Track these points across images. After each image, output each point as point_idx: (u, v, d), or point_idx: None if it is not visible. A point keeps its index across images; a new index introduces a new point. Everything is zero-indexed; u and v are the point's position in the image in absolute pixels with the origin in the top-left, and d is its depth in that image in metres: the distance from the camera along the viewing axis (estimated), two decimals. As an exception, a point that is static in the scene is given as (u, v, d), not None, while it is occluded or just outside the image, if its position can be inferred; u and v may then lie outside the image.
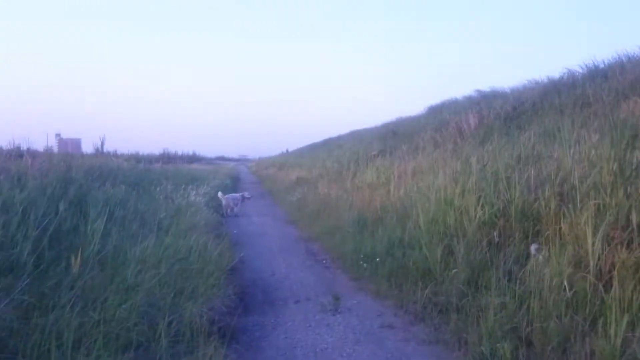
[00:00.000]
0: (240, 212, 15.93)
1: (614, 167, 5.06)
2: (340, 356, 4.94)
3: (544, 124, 10.33)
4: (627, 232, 4.61)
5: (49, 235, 5.75)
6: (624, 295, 4.13)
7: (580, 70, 14.09)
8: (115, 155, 20.98)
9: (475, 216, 6.40)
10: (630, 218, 4.65)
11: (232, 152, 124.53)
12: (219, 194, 16.33)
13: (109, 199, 8.69)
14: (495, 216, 6.27)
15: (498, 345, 4.38)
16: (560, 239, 5.13)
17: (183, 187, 14.91)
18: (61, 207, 6.74)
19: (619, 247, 4.52)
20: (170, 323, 4.68)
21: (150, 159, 30.54)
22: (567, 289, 4.50)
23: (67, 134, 45.54)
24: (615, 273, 4.32)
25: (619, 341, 3.84)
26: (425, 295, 5.92)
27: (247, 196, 16.87)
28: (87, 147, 24.70)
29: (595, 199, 5.06)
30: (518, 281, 5.06)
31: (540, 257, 5.10)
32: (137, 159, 25.16)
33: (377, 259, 7.44)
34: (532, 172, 6.41)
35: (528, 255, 5.40)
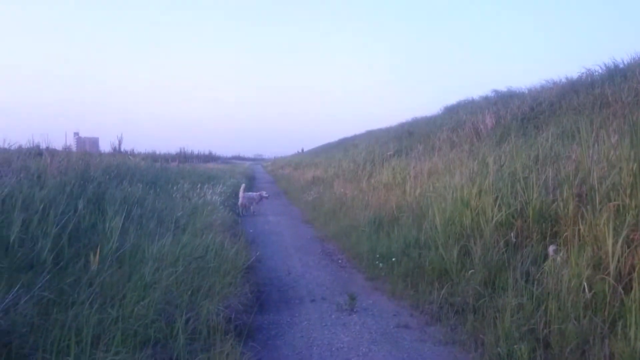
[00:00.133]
0: (256, 211, 15.98)
1: (634, 168, 5.00)
2: (357, 355, 4.94)
3: (562, 124, 10.24)
4: (648, 234, 4.55)
5: (68, 232, 5.83)
6: (644, 298, 4.08)
7: (599, 70, 13.95)
8: (132, 154, 21.19)
9: (492, 217, 6.36)
10: (651, 219, 4.60)
11: (247, 151, 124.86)
12: (242, 186, 16.39)
13: (127, 198, 8.79)
14: (513, 217, 6.23)
15: (515, 346, 4.36)
16: (579, 241, 5.09)
17: (199, 186, 15.00)
18: (80, 205, 6.83)
19: (639, 248, 4.47)
20: (187, 320, 4.72)
21: (166, 158, 30.83)
22: (586, 290, 4.47)
23: (85, 132, 45.93)
24: (635, 275, 4.27)
25: (639, 344, 3.80)
26: (441, 295, 5.91)
27: (265, 195, 16.78)
28: (105, 146, 25.00)
29: (614, 200, 5.00)
30: (535, 282, 5.03)
31: (558, 258, 5.07)
32: (153, 158, 25.41)
33: (393, 259, 7.43)
34: (550, 172, 6.36)
35: (546, 257, 5.36)
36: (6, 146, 11.15)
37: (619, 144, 6.00)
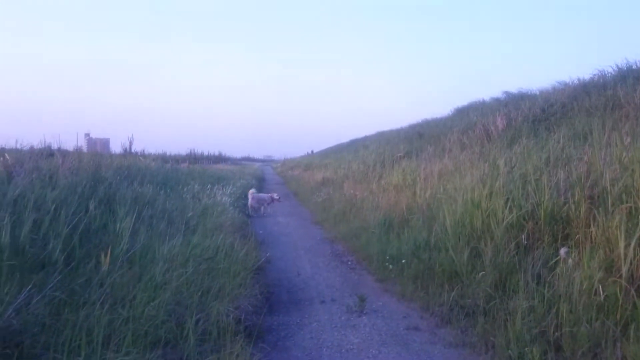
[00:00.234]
0: (266, 212, 15.98)
1: (647, 170, 4.97)
2: (366, 357, 4.93)
3: (574, 126, 10.17)
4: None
5: (79, 233, 5.86)
6: (657, 301, 4.05)
7: (612, 71, 13.86)
8: (143, 155, 21.19)
9: (503, 219, 6.33)
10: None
11: (257, 152, 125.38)
12: (250, 191, 16.43)
13: (137, 198, 8.82)
14: (524, 219, 6.20)
15: (526, 349, 4.33)
16: (591, 243, 5.06)
17: (209, 187, 15.03)
18: (91, 206, 6.87)
19: (651, 251, 4.44)
20: (197, 321, 4.73)
21: (177, 159, 30.93)
22: (597, 293, 4.43)
23: (96, 133, 46.16)
24: (647, 278, 4.24)
25: (651, 347, 3.77)
26: (451, 297, 5.88)
27: (276, 197, 16.61)
28: (116, 147, 25.07)
29: (627, 203, 4.97)
30: (547, 285, 5.00)
31: (570, 260, 5.03)
32: (164, 159, 25.46)
33: (403, 261, 7.41)
34: (562, 174, 6.33)
35: (557, 259, 5.32)
36: (19, 147, 11.26)
37: (631, 146, 5.96)
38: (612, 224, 4.87)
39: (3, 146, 10.98)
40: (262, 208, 15.98)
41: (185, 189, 13.28)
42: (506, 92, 20.61)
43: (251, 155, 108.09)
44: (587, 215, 5.40)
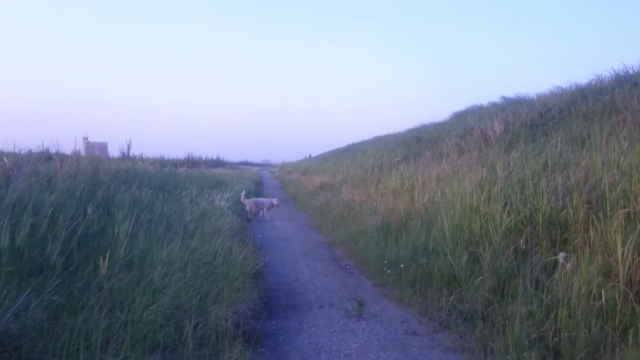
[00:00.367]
0: (265, 217, 15.90)
1: (645, 175, 4.98)
2: (365, 362, 4.93)
3: (571, 130, 10.19)
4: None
5: (78, 237, 5.86)
6: (655, 306, 4.06)
7: (609, 76, 13.89)
8: (141, 159, 21.21)
9: (501, 223, 6.34)
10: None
11: (255, 157, 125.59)
12: (242, 193, 16.43)
13: (136, 202, 8.81)
14: (522, 224, 6.20)
15: (525, 354, 4.34)
16: (589, 248, 5.06)
17: (207, 191, 15.02)
18: (89, 210, 6.86)
19: (650, 256, 4.45)
20: (196, 326, 4.73)
21: (175, 163, 30.91)
22: (596, 297, 4.44)
23: (94, 137, 46.25)
24: (646, 283, 4.25)
25: (650, 352, 3.77)
26: (450, 302, 5.88)
27: (276, 203, 16.47)
28: (114, 151, 25.12)
29: (625, 207, 4.98)
30: (545, 290, 5.00)
31: (568, 265, 5.04)
32: (162, 163, 25.46)
33: (401, 265, 7.41)
34: (560, 179, 6.33)
35: (556, 264, 5.32)
36: (17, 151, 11.25)
37: (629, 151, 5.98)
38: (611, 228, 4.88)
39: (1, 150, 10.94)
40: (262, 212, 15.93)
41: (183, 193, 13.27)
42: (504, 97, 20.69)
43: (249, 160, 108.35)
44: (585, 220, 5.41)
